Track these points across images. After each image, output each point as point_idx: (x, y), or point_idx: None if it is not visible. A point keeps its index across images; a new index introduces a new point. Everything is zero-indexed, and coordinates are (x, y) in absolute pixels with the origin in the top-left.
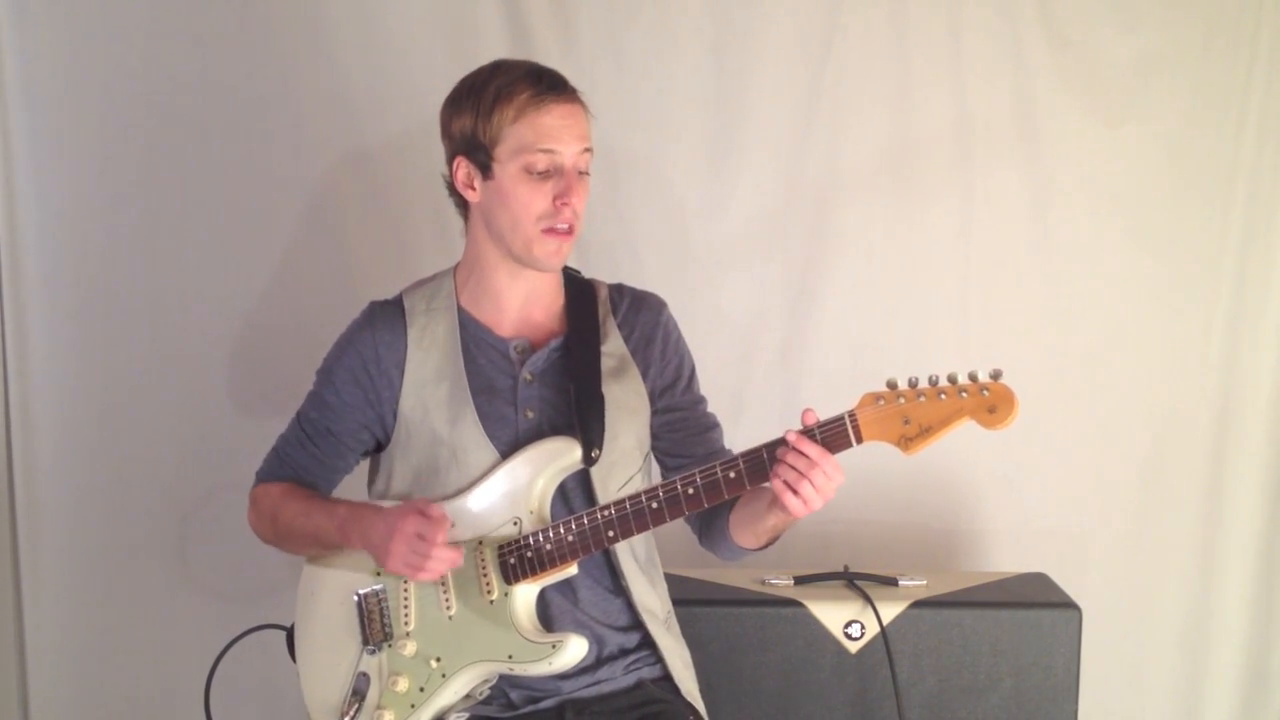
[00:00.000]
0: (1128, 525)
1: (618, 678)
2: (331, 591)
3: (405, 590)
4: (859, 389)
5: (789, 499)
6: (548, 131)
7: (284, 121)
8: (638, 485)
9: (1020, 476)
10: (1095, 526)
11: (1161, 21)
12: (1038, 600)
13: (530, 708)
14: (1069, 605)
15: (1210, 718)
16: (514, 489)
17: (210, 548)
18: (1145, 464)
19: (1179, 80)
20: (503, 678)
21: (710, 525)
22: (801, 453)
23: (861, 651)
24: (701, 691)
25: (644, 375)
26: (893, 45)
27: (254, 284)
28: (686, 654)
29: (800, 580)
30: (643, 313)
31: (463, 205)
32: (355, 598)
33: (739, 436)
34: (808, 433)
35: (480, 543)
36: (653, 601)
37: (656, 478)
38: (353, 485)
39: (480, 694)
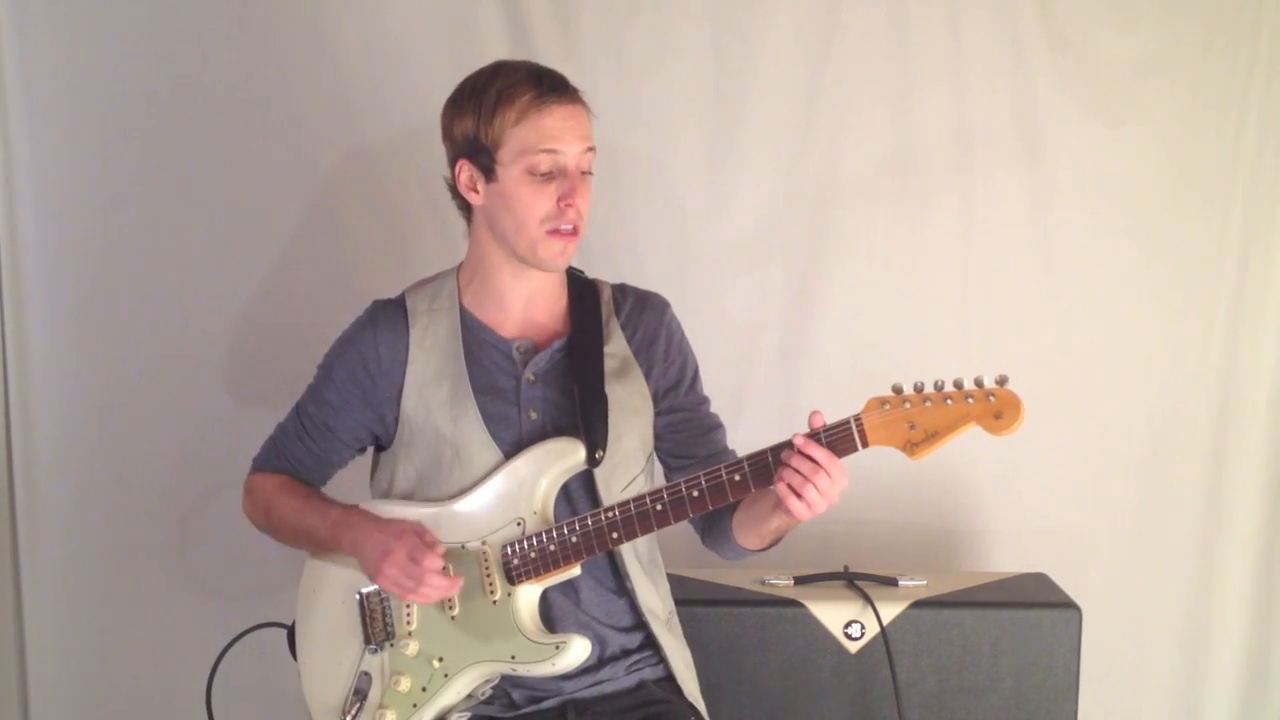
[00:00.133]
0: (1128, 525)
1: (620, 678)
2: (333, 590)
3: None
4: (859, 389)
5: (793, 502)
6: (550, 133)
7: (284, 121)
8: (641, 486)
9: (1020, 476)
10: (1095, 526)
11: (1161, 21)
12: (1038, 600)
13: (532, 708)
14: (1069, 605)
15: (1210, 718)
16: (517, 489)
17: (210, 547)
18: (1145, 464)
19: (1179, 80)
20: (505, 677)
21: (713, 526)
22: (807, 456)
23: (861, 651)
24: (702, 691)
25: (647, 376)
26: (893, 45)
27: (254, 284)
28: (688, 654)
29: (800, 580)
30: (646, 313)
31: (465, 207)
32: (357, 596)
33: (739, 437)
34: (813, 436)
35: (483, 543)
36: (655, 602)
37: (659, 478)
38: (352, 484)
39: (482, 694)
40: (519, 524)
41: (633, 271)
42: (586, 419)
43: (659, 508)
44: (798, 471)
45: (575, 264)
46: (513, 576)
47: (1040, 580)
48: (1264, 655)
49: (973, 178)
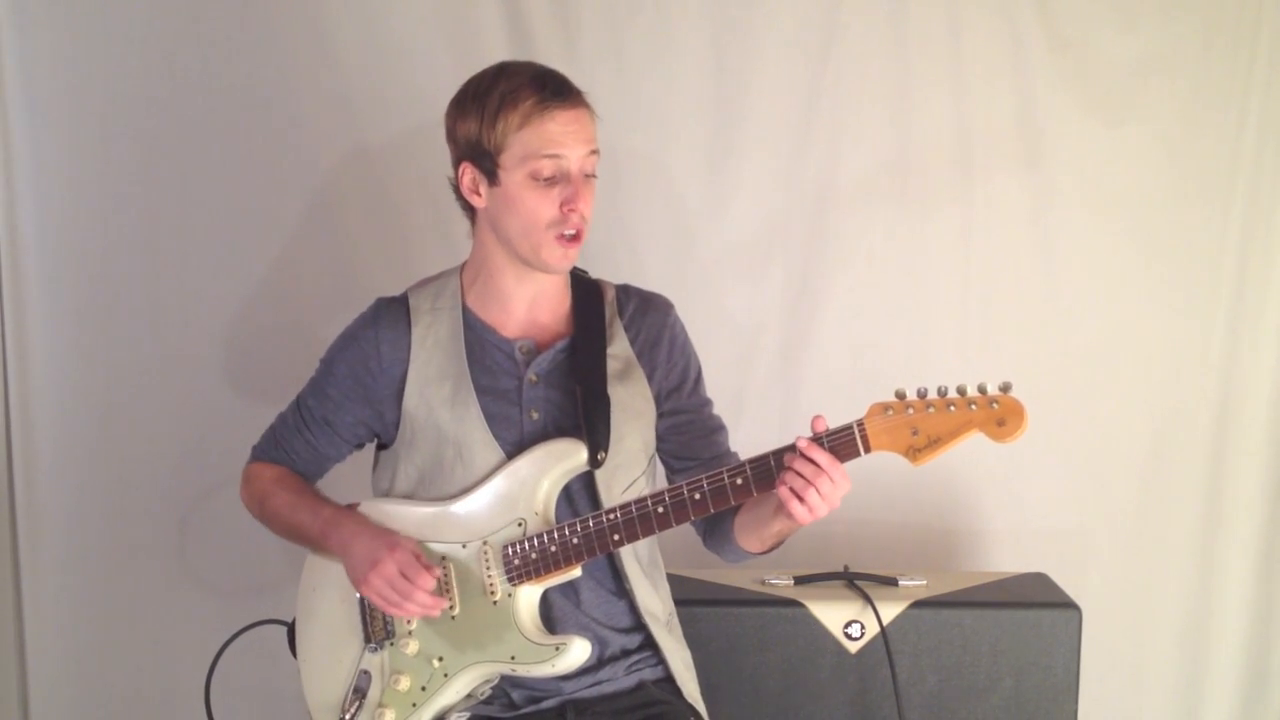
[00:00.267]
0: (1128, 525)
1: (619, 678)
2: (334, 588)
3: None
4: (859, 390)
5: (795, 506)
6: (553, 137)
7: (285, 121)
8: (642, 488)
9: (1020, 476)
10: (1095, 526)
11: (1161, 21)
12: (1038, 600)
13: (532, 708)
14: (1069, 605)
15: (1210, 718)
16: (519, 490)
17: (210, 546)
18: (1145, 464)
19: (1179, 80)
20: (504, 677)
21: (715, 528)
22: (809, 460)
23: (861, 651)
24: (702, 691)
25: (650, 378)
26: (893, 45)
27: (254, 284)
28: (688, 656)
29: (800, 580)
30: (649, 315)
31: (469, 208)
32: (358, 595)
33: (739, 437)
34: (816, 440)
35: (484, 543)
36: (655, 603)
37: (661, 480)
38: (353, 482)
39: (482, 694)
40: (520, 524)
41: (632, 272)
42: (588, 420)
43: (660, 510)
44: (800, 475)
45: (578, 265)
46: (513, 577)
47: (1040, 580)
48: (1264, 655)
49: (973, 178)
